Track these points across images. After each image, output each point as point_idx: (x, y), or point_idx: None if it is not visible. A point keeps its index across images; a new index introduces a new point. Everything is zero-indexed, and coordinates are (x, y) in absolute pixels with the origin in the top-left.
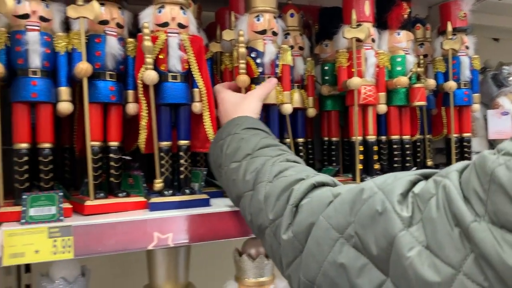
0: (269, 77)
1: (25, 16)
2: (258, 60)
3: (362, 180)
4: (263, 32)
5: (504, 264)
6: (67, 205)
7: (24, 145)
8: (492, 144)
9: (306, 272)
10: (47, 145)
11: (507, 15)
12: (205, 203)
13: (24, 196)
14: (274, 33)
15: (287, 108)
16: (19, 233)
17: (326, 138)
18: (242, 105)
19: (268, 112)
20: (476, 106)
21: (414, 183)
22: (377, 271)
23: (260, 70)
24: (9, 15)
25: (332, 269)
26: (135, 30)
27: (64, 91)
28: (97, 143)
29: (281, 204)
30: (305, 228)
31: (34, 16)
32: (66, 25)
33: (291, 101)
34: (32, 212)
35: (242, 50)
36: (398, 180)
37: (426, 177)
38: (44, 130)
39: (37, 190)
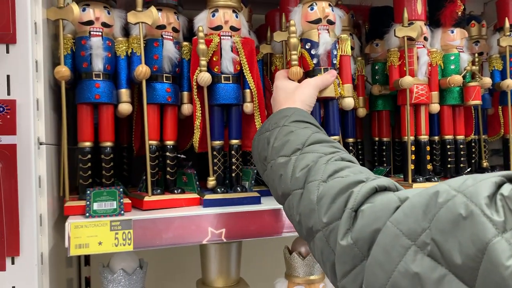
0: (326, 70)
1: (89, 23)
2: (313, 51)
3: (414, 181)
4: (317, 21)
5: None
6: (127, 201)
7: (88, 144)
8: None
9: (371, 283)
10: (109, 143)
11: None
12: (256, 200)
13: (88, 192)
14: (330, 22)
15: (349, 103)
16: (84, 226)
17: (376, 138)
18: (295, 93)
19: (327, 107)
20: None
21: (499, 185)
22: (459, 282)
23: (315, 61)
24: (75, 22)
25: (404, 280)
26: (188, 34)
27: (125, 93)
28: (154, 142)
29: (338, 207)
30: (369, 234)
31: (97, 22)
32: (125, 30)
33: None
34: (96, 206)
35: (294, 40)
36: (481, 182)
37: (510, 180)
38: (106, 130)
39: (99, 186)
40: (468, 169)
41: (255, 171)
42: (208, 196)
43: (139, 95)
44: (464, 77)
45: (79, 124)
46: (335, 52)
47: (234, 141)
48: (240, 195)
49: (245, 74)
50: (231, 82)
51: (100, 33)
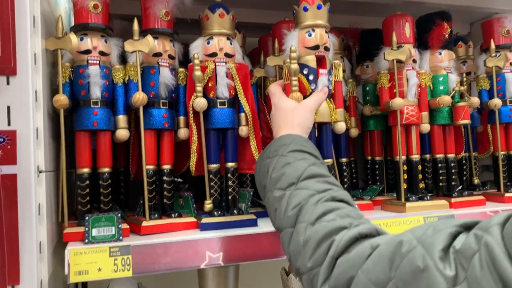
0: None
1: (87, 52)
2: (311, 77)
3: (407, 199)
4: (315, 47)
5: None
6: (125, 226)
7: (86, 170)
8: None
9: None
10: (107, 169)
11: None
12: (253, 223)
13: (86, 217)
14: (326, 48)
15: (341, 127)
16: (84, 252)
17: (369, 157)
18: (293, 117)
19: (321, 130)
20: None
21: (454, 236)
22: None
23: (313, 87)
24: (73, 51)
25: None
26: (184, 59)
27: (122, 119)
28: (151, 167)
29: (321, 253)
30: (344, 283)
31: (95, 51)
32: (123, 57)
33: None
34: (94, 232)
35: (295, 66)
36: (438, 233)
37: (466, 228)
38: (104, 156)
39: (97, 212)
40: (460, 187)
41: (251, 192)
42: (205, 220)
43: (136, 120)
44: (453, 97)
45: (77, 151)
46: (330, 78)
47: (230, 164)
48: (237, 218)
49: (240, 98)
50: (226, 106)
51: (98, 62)
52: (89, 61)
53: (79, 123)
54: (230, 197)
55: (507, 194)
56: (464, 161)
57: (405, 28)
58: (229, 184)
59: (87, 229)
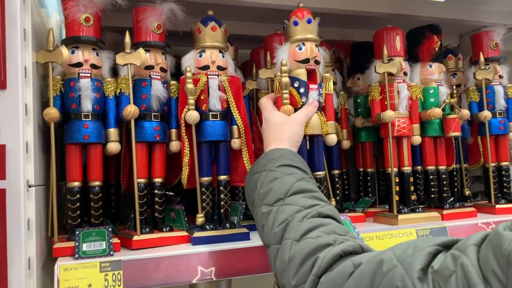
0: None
1: (78, 65)
2: (302, 90)
3: (399, 211)
4: (305, 61)
5: None
6: (116, 240)
7: (77, 184)
8: None
9: None
10: (97, 183)
11: None
12: (245, 236)
13: (77, 232)
14: (317, 62)
15: (333, 139)
16: (74, 268)
17: (361, 169)
18: (282, 131)
19: (312, 143)
20: None
21: (434, 256)
22: None
23: (304, 100)
24: (64, 64)
25: None
26: (176, 71)
27: (113, 132)
28: (142, 180)
29: (305, 271)
30: None
31: (86, 64)
32: (114, 70)
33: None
34: (85, 247)
35: (286, 79)
36: (418, 252)
37: (446, 247)
38: (95, 169)
39: (88, 226)
40: (451, 199)
41: (244, 205)
42: (197, 234)
43: (127, 133)
44: (443, 109)
45: (68, 164)
46: (321, 92)
47: (223, 177)
48: (229, 231)
49: (232, 111)
50: (218, 119)
51: (89, 75)
52: (80, 74)
53: (70, 136)
54: (222, 210)
55: (498, 206)
56: (455, 173)
57: (395, 41)
58: (221, 197)
59: (77, 243)
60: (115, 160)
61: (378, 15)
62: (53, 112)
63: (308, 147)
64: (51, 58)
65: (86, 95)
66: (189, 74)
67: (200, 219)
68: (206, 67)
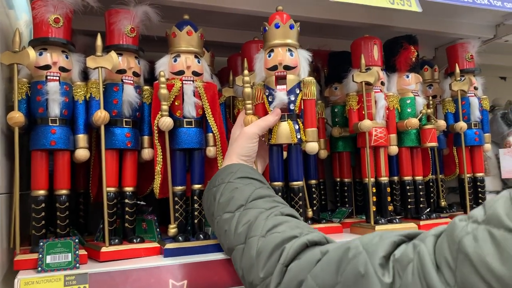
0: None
1: (46, 67)
2: (270, 98)
3: (376, 222)
4: (274, 68)
5: None
6: (82, 252)
7: (42, 192)
8: (506, 183)
9: None
10: (64, 191)
11: (506, 54)
12: (219, 248)
13: (41, 243)
14: (287, 68)
15: (313, 147)
16: (35, 282)
17: (338, 179)
18: (232, 147)
19: (290, 152)
20: (488, 146)
21: (398, 245)
22: None
23: (272, 108)
24: (31, 67)
25: None
26: (149, 76)
27: (82, 138)
28: (112, 189)
29: (272, 262)
30: (295, 286)
31: (54, 67)
32: (85, 73)
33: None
34: (49, 259)
35: (247, 90)
36: (383, 241)
37: (410, 238)
38: (62, 177)
39: (53, 236)
40: (428, 209)
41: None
42: (169, 245)
43: (97, 139)
44: (420, 120)
45: (33, 172)
46: (292, 98)
47: (197, 186)
48: (203, 243)
49: (207, 118)
50: (193, 126)
51: (58, 78)
52: (48, 77)
53: (36, 142)
54: (196, 221)
55: None
56: (431, 183)
57: (373, 51)
58: (195, 207)
59: (40, 256)
60: (84, 167)
61: (355, 25)
62: (17, 116)
63: (285, 157)
64: (16, 60)
65: (54, 99)
66: (163, 79)
67: (172, 229)
68: (181, 72)
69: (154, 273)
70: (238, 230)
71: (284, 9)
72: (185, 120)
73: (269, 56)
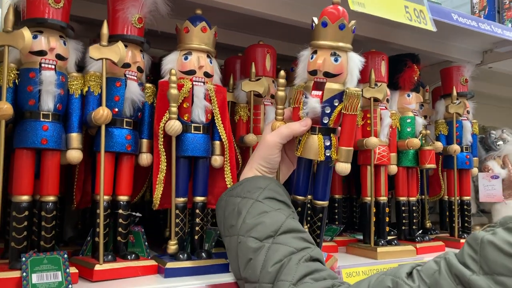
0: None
1: (41, 53)
2: (304, 105)
3: (376, 243)
4: (313, 72)
5: None
6: (73, 270)
7: (26, 198)
8: (479, 205)
9: None
10: (52, 198)
11: (488, 81)
12: (224, 269)
13: (23, 259)
14: (328, 75)
15: (344, 168)
16: None
17: None
18: (253, 154)
19: (319, 167)
20: (475, 170)
21: (414, 267)
22: None
23: (304, 115)
24: (25, 51)
25: None
26: (150, 74)
27: (75, 138)
28: (106, 197)
29: None
30: None
31: (51, 53)
32: (78, 65)
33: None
34: (35, 278)
35: (281, 93)
36: (403, 266)
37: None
38: (50, 182)
39: (35, 251)
40: (420, 231)
41: (218, 232)
42: (171, 265)
43: (86, 140)
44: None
45: (17, 173)
46: (327, 111)
47: (199, 198)
48: (207, 262)
49: (217, 124)
50: (201, 132)
51: (54, 67)
52: (43, 65)
53: (23, 139)
54: (196, 237)
55: (462, 240)
56: (417, 204)
57: (381, 67)
58: (197, 222)
59: (24, 274)
60: (63, 169)
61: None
62: (5, 108)
63: (314, 171)
64: (9, 42)
65: (48, 91)
66: (174, 78)
67: (173, 246)
68: (191, 72)
69: None
70: (267, 267)
71: (279, 12)
72: (193, 125)
73: (311, 58)
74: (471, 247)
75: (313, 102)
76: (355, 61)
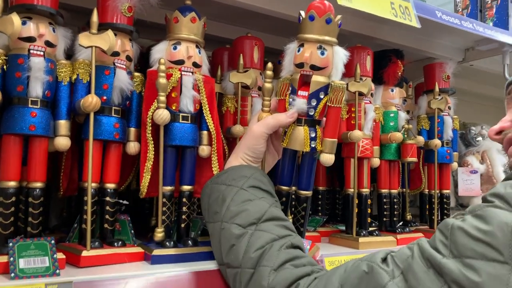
0: (300, 120)
1: (30, 39)
2: (291, 99)
3: (358, 234)
4: (300, 65)
5: (469, 280)
6: (61, 256)
7: (13, 184)
8: (458, 199)
9: None
10: (39, 184)
11: (469, 79)
12: (209, 256)
13: (10, 244)
14: (314, 68)
15: (327, 159)
16: None
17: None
18: (242, 143)
19: (304, 157)
20: (455, 165)
21: (389, 253)
22: None
23: (291, 108)
24: (14, 37)
25: None
26: (138, 63)
27: (64, 125)
28: (94, 185)
29: None
30: None
31: (40, 40)
32: (66, 53)
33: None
34: (22, 263)
35: (268, 85)
36: (377, 253)
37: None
38: (38, 168)
39: (21, 236)
40: (401, 223)
41: (204, 220)
42: (157, 252)
43: (74, 127)
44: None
45: (4, 159)
46: (313, 103)
47: (186, 187)
48: (193, 250)
49: (204, 114)
50: (189, 122)
51: (43, 53)
52: (31, 51)
53: (11, 125)
54: (183, 225)
55: None
56: (398, 196)
57: (366, 61)
58: (183, 210)
59: (12, 259)
60: (49, 156)
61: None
62: None
63: (299, 162)
64: None
65: (37, 77)
66: (163, 67)
67: (159, 234)
68: (180, 62)
69: (147, 282)
70: (249, 253)
71: (267, 4)
72: (181, 114)
73: (298, 51)
74: (442, 233)
75: (301, 104)
76: (340, 55)
